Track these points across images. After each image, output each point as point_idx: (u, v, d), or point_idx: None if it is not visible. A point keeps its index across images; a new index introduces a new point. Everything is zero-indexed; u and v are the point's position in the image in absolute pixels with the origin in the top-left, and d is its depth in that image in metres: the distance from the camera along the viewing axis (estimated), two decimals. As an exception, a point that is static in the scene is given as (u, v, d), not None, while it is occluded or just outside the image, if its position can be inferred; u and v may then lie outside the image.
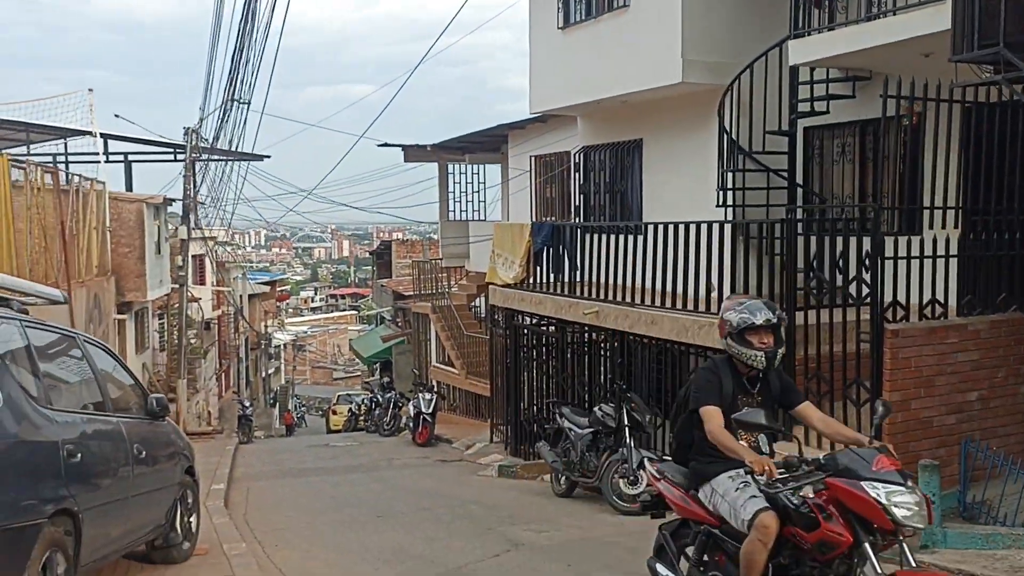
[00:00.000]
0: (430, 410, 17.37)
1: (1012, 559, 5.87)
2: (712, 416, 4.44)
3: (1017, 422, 7.74)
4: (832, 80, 9.53)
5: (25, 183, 14.00)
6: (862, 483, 3.91)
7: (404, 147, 22.38)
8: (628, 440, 8.83)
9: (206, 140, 22.22)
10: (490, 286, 13.86)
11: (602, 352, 11.97)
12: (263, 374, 46.26)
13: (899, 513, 3.85)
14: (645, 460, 8.58)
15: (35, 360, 4.66)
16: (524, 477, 11.66)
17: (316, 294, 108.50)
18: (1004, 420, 7.67)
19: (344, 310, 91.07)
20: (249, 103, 21.19)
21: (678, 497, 4.78)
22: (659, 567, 5.08)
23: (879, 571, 3.90)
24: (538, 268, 12.56)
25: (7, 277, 5.20)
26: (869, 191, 9.88)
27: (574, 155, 13.92)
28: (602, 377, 11.90)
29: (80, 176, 18.31)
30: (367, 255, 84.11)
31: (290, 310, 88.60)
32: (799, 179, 10.30)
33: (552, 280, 12.42)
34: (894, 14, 8.03)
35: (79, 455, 4.69)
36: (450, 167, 23.42)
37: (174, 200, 23.94)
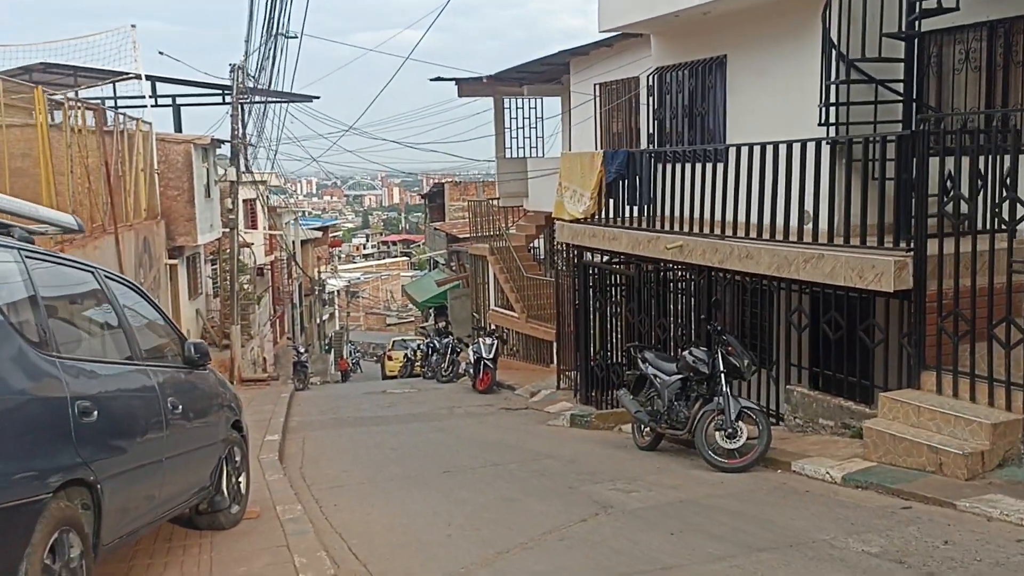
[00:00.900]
0: (491, 355, 16.55)
1: None
2: None
3: None
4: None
5: (64, 120, 13.26)
6: None
7: (458, 81, 21.24)
8: (724, 388, 7.83)
9: (252, 77, 21.36)
10: (557, 222, 12.83)
11: (681, 291, 10.92)
12: (317, 320, 46.06)
13: None
14: (744, 410, 7.64)
15: (37, 298, 3.79)
16: (600, 427, 10.75)
17: (368, 241, 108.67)
18: None
19: (396, 256, 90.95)
20: (297, 37, 20.26)
21: None
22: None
23: None
24: (611, 201, 11.49)
25: (7, 198, 4.34)
26: (997, 103, 8.59)
27: (647, 78, 12.69)
28: (681, 318, 10.87)
29: (124, 115, 17.60)
30: (418, 202, 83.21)
31: (342, 257, 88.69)
32: (911, 92, 9.03)
33: (626, 214, 11.36)
34: None
35: (95, 413, 3.85)
36: (506, 102, 22.28)
37: (223, 141, 23.22)
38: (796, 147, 8.26)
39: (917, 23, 8.48)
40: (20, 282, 3.72)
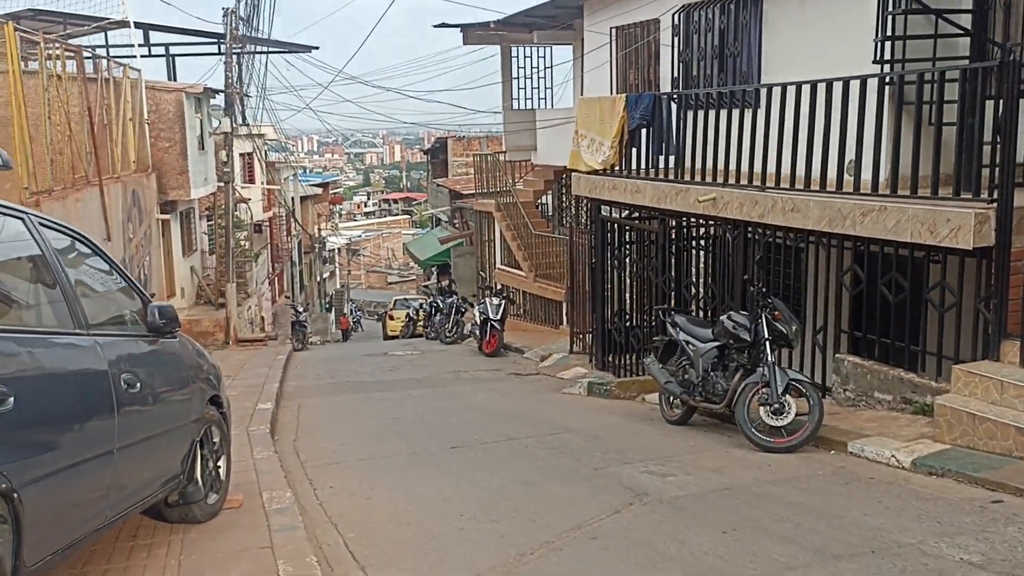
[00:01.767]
0: (499, 316, 15.66)
1: None
2: None
3: None
4: None
5: (40, 62, 12.22)
6: None
7: (463, 27, 20.09)
8: (770, 357, 6.94)
9: (246, 22, 20.22)
10: (573, 174, 11.86)
11: (709, 249, 10.01)
12: (318, 278, 45.18)
13: None
14: (792, 383, 6.76)
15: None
16: (621, 397, 9.89)
17: (369, 199, 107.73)
18: None
19: (397, 215, 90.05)
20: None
21: None
22: None
23: None
24: (633, 150, 10.52)
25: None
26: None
27: (672, 16, 11.64)
28: (712, 278, 9.96)
29: (106, 57, 16.52)
30: (420, 159, 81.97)
31: (343, 214, 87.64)
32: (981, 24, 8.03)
33: (646, 165, 10.42)
34: None
35: (10, 400, 2.96)
36: (514, 50, 21.14)
37: (217, 91, 22.11)
38: (854, 85, 7.29)
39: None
40: None
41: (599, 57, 15.70)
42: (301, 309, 23.57)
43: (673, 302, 10.14)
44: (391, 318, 32.15)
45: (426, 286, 37.47)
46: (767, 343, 7.01)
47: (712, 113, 9.28)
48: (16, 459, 2.96)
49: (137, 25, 25.31)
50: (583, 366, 12.35)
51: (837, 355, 7.74)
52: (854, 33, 8.44)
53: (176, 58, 28.38)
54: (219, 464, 5.29)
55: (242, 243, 25.23)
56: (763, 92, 8.39)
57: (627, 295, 11.52)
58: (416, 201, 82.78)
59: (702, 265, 10.03)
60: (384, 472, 6.94)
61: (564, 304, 18.17)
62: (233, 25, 19.27)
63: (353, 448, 8.04)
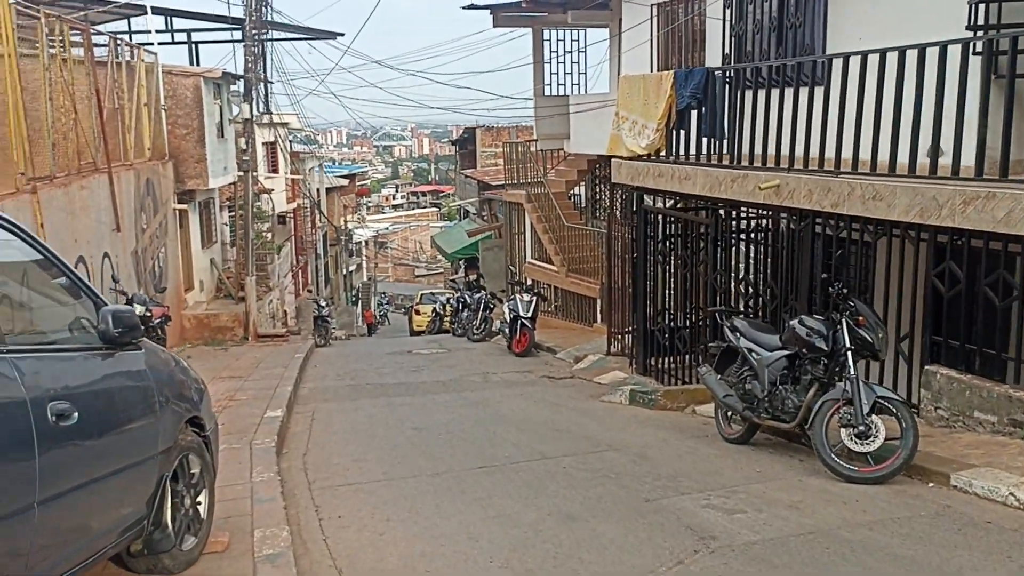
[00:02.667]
0: (529, 314, 14.69)
1: None
2: None
3: None
4: None
5: (40, 35, 11.38)
6: None
7: (493, 8, 19.09)
8: (852, 370, 5.91)
9: (267, 5, 19.36)
10: (613, 160, 10.84)
11: (765, 242, 8.96)
12: (344, 271, 44.43)
13: None
14: (879, 401, 5.74)
15: None
16: (668, 407, 8.87)
17: (397, 192, 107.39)
18: None
19: (425, 207, 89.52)
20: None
21: None
22: None
23: None
24: (681, 133, 9.49)
25: None
26: None
27: (724, -14, 10.58)
28: (775, 276, 8.92)
29: (115, 37, 15.71)
30: (448, 152, 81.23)
31: (371, 207, 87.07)
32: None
33: (699, 149, 9.40)
34: None
35: None
36: (546, 33, 20.13)
37: (237, 77, 21.31)
38: (953, 51, 6.24)
39: None
40: None
41: (638, 38, 14.66)
42: (324, 303, 22.75)
43: (725, 302, 9.13)
44: (417, 313, 31.31)
45: (453, 280, 36.61)
46: (849, 353, 5.98)
47: (774, 92, 8.23)
48: None
49: (158, 11, 24.66)
50: (622, 370, 11.35)
51: (927, 367, 6.67)
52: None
53: (199, 45, 27.81)
54: (199, 500, 4.38)
55: (264, 235, 24.46)
56: (836, 64, 7.32)
57: (670, 293, 10.51)
58: (444, 193, 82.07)
59: (759, 261, 8.99)
60: (402, 498, 6.01)
61: (599, 301, 17.15)
62: (253, 7, 18.39)
63: (369, 466, 7.13)
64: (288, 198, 30.12)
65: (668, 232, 10.28)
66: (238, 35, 23.94)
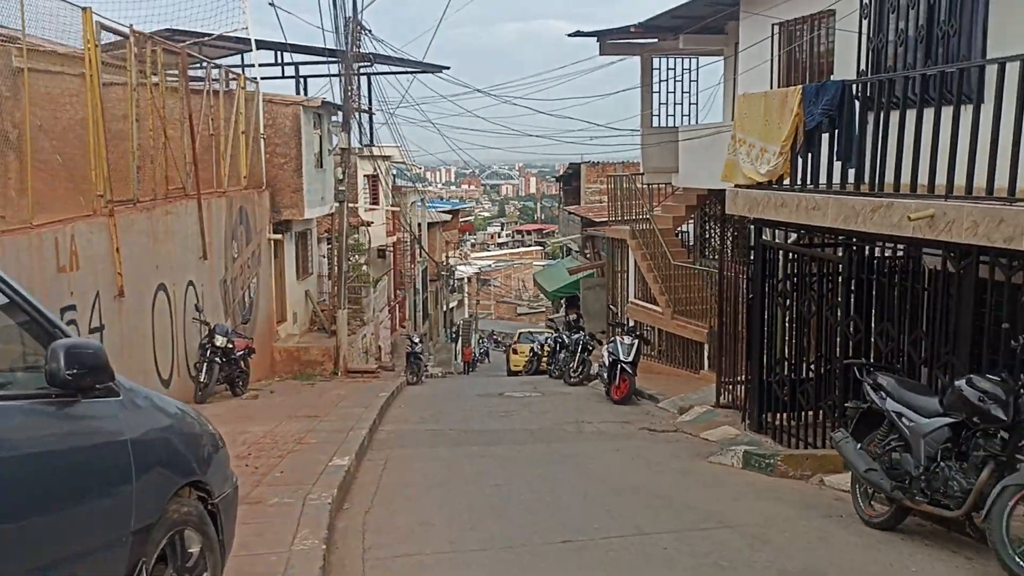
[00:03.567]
0: (630, 358, 13.52)
1: None
2: None
3: None
4: None
5: (128, 53, 11.03)
6: None
7: (599, 34, 18.23)
8: (1044, 449, 4.58)
9: (368, 32, 19.01)
10: (728, 191, 9.66)
11: (909, 284, 7.60)
12: (444, 308, 44.02)
13: None
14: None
15: None
16: (789, 475, 7.55)
17: (503, 230, 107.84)
18: None
19: (530, 246, 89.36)
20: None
21: None
22: None
23: None
24: (809, 156, 8.27)
25: None
26: None
27: (860, -5, 9.35)
28: (903, 324, 7.53)
29: (211, 63, 15.48)
30: (554, 192, 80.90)
31: (476, 244, 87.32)
32: None
33: (829, 175, 8.15)
34: None
35: None
36: (655, 62, 19.09)
37: (338, 107, 21.02)
38: None
39: None
40: None
41: (756, 58, 13.46)
42: (417, 339, 22.02)
43: (858, 352, 7.80)
44: (515, 352, 30.37)
45: (551, 319, 35.59)
46: (1037, 425, 4.66)
47: (927, 111, 6.97)
48: None
49: (265, 44, 24.82)
50: (733, 425, 10.05)
51: None
52: None
53: (307, 80, 27.97)
54: (195, 587, 3.44)
55: (360, 267, 24.04)
56: (1013, 70, 6.02)
57: (791, 340, 9.21)
58: (548, 232, 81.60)
59: (900, 306, 7.62)
60: (466, 578, 4.98)
61: (706, 346, 15.83)
62: (351, 32, 18.03)
63: (435, 531, 6.13)
64: (388, 231, 29.79)
65: (791, 271, 9.01)
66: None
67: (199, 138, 13.85)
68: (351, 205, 24.47)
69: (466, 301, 56.45)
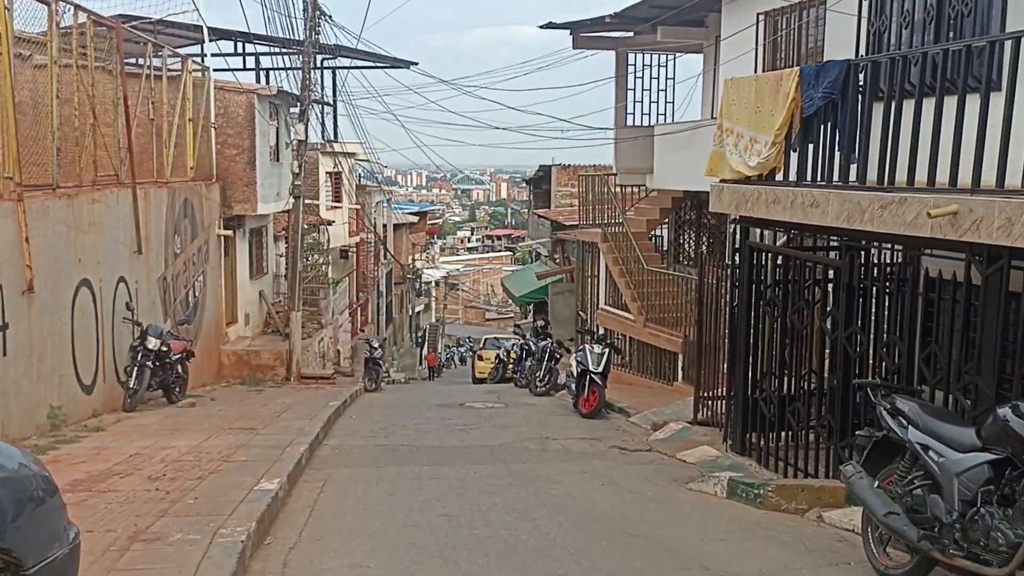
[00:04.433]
0: (600, 368, 12.57)
1: None
2: None
3: None
4: None
5: (50, 23, 9.89)
6: None
7: (572, 27, 17.32)
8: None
9: (331, 19, 17.94)
10: (712, 186, 8.72)
11: (921, 293, 6.68)
12: (410, 311, 42.84)
13: None
14: None
15: None
16: (782, 508, 6.61)
17: (473, 234, 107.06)
18: None
19: (500, 251, 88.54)
20: None
21: None
22: None
23: None
24: (809, 147, 7.36)
25: None
26: None
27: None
28: (911, 337, 6.62)
29: (152, 41, 14.32)
30: (525, 198, 79.95)
31: (445, 249, 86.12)
32: None
33: (826, 169, 7.24)
34: None
35: None
36: (630, 57, 18.22)
37: (296, 97, 19.86)
38: None
39: None
40: None
41: (739, 48, 12.59)
42: (376, 344, 20.91)
43: (862, 369, 6.90)
44: (480, 359, 29.33)
45: (518, 325, 34.60)
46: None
47: (921, 101, 6.08)
48: None
49: (226, 34, 23.65)
50: (712, 445, 9.13)
51: None
52: None
53: (270, 72, 26.81)
54: None
55: (319, 267, 22.90)
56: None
57: (780, 352, 8.28)
58: (518, 237, 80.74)
59: (907, 315, 6.71)
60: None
61: (680, 356, 14.92)
62: (313, 18, 16.95)
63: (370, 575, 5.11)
64: (351, 231, 28.64)
65: (782, 276, 8.09)
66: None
67: (136, 122, 12.72)
68: (312, 202, 23.36)
69: (433, 305, 55.29)
